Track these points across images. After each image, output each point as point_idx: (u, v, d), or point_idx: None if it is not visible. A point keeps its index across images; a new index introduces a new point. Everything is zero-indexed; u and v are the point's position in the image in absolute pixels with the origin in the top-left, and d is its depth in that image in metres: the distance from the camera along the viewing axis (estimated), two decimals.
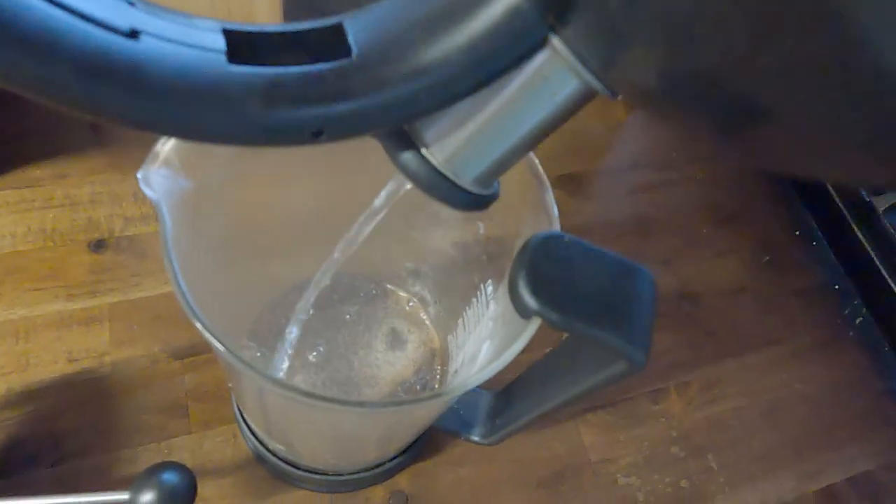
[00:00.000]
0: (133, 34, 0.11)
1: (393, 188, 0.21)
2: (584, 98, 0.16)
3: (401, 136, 0.16)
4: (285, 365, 0.30)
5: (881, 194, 0.49)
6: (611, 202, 0.48)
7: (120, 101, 0.12)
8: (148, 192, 0.16)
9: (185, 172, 0.18)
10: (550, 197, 0.20)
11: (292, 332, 0.29)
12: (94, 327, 0.36)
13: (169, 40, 0.12)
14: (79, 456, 0.32)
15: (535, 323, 0.18)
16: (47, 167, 0.40)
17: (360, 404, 0.16)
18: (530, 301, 0.17)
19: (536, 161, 0.20)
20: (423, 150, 0.16)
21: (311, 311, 0.28)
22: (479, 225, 0.25)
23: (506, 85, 0.15)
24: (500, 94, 0.15)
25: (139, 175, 0.17)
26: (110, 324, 0.36)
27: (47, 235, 0.38)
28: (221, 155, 0.20)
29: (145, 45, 0.11)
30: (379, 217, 0.22)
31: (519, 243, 0.19)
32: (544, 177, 0.20)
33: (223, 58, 0.12)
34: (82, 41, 0.11)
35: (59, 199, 0.39)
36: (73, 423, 0.33)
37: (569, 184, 0.48)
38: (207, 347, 0.36)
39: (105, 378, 0.34)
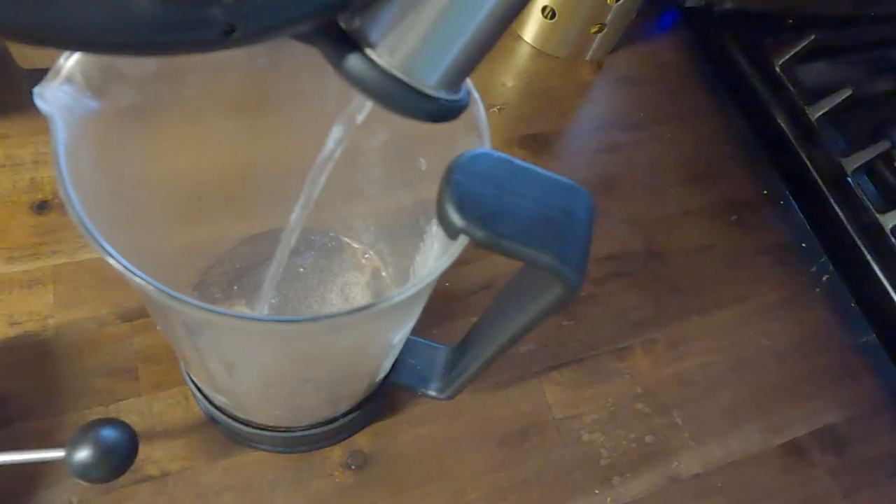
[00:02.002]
0: None
1: (347, 117, 0.20)
2: None
3: (342, 37, 0.14)
4: None
5: (850, 155, 0.49)
6: (577, 162, 0.48)
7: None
8: (40, 104, 0.15)
9: (92, 92, 0.17)
10: (482, 114, 0.19)
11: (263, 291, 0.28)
12: (37, 290, 0.34)
13: None
14: (20, 419, 0.31)
15: (462, 241, 0.17)
16: None
17: (275, 320, 0.15)
18: (455, 218, 0.16)
19: (468, 80, 0.19)
20: (370, 52, 0.14)
21: (280, 271, 0.27)
22: (421, 161, 0.24)
23: None
24: None
25: (35, 89, 0.16)
26: (54, 286, 0.34)
27: None
28: (131, 75, 0.19)
29: None
30: (335, 157, 0.21)
31: None
32: (475, 94, 0.19)
33: None
34: None
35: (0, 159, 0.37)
36: (15, 386, 0.32)
37: (534, 144, 0.47)
38: None
39: (49, 341, 0.33)
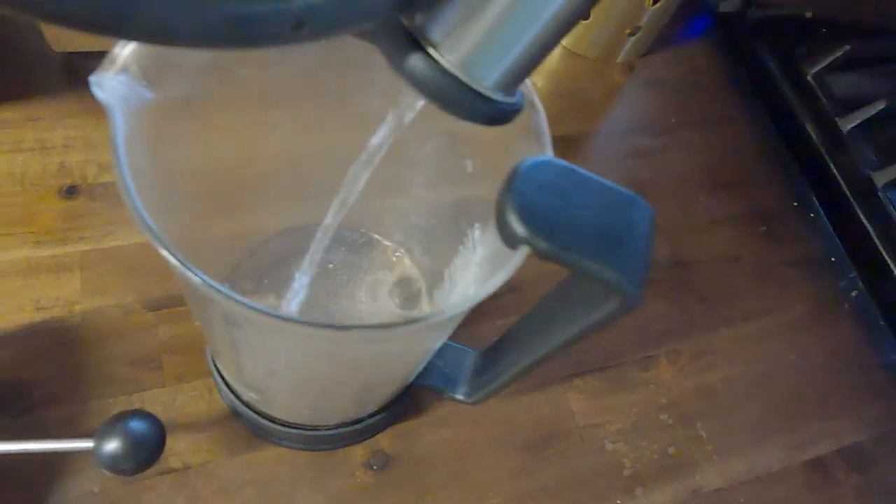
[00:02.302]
0: None
1: (395, 118, 0.19)
2: None
3: (403, 35, 0.14)
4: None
5: (881, 169, 0.48)
6: (606, 166, 0.47)
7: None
8: (99, 93, 0.15)
9: (147, 82, 0.17)
10: (543, 121, 0.18)
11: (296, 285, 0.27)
12: (64, 275, 0.34)
13: None
14: (45, 406, 0.31)
15: (523, 252, 0.16)
16: (18, 109, 0.38)
17: (332, 326, 0.15)
18: (518, 228, 0.16)
19: (527, 81, 0.19)
20: (431, 50, 0.14)
21: (314, 267, 0.26)
22: (468, 163, 0.23)
23: None
24: None
25: (92, 78, 0.15)
26: (81, 272, 0.34)
27: (16, 179, 0.36)
28: (185, 66, 0.18)
29: None
30: (379, 156, 0.20)
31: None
32: (536, 100, 0.18)
33: None
34: None
35: (29, 142, 0.37)
36: (40, 372, 0.32)
37: (562, 145, 0.46)
38: (183, 299, 0.35)
39: (75, 328, 0.33)
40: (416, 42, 0.14)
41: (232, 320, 0.19)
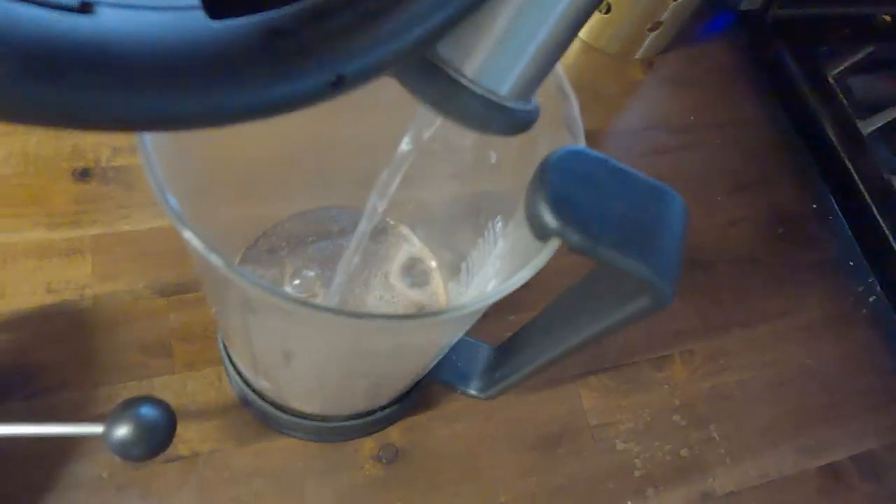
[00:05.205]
0: (85, 7, 0.08)
1: (417, 129, 0.19)
2: None
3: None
4: None
5: None
6: (624, 162, 0.46)
7: (82, 97, 0.08)
8: None
9: None
10: (576, 112, 0.18)
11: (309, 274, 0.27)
12: (75, 259, 0.34)
13: (129, 6, 0.09)
14: (54, 390, 0.31)
15: (554, 244, 0.16)
16: None
17: (354, 314, 0.14)
18: (549, 219, 0.15)
19: (560, 72, 0.18)
20: (442, 66, 0.14)
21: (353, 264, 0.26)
22: (492, 154, 0.23)
23: None
24: None
25: None
26: (93, 256, 0.34)
27: (29, 160, 0.36)
28: None
29: (103, 18, 0.08)
30: (407, 164, 0.20)
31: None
32: (570, 91, 0.18)
33: (201, 14, 0.09)
34: (24, 30, 0.08)
35: None
36: (50, 356, 0.31)
37: None
38: (195, 285, 0.34)
39: (85, 312, 0.33)
40: (425, 58, 0.14)
41: (249, 305, 0.18)
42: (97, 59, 0.08)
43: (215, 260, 0.14)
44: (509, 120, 0.14)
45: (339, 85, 0.11)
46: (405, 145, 0.19)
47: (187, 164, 0.19)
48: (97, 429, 0.25)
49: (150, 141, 0.15)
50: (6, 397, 0.30)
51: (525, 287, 0.36)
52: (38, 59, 0.08)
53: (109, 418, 0.25)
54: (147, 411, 0.25)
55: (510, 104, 0.14)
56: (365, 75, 0.12)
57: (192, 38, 0.09)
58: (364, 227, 0.21)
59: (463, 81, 0.14)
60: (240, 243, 0.31)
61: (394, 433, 0.33)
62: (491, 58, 0.13)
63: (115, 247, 0.34)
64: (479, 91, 0.14)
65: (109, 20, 0.08)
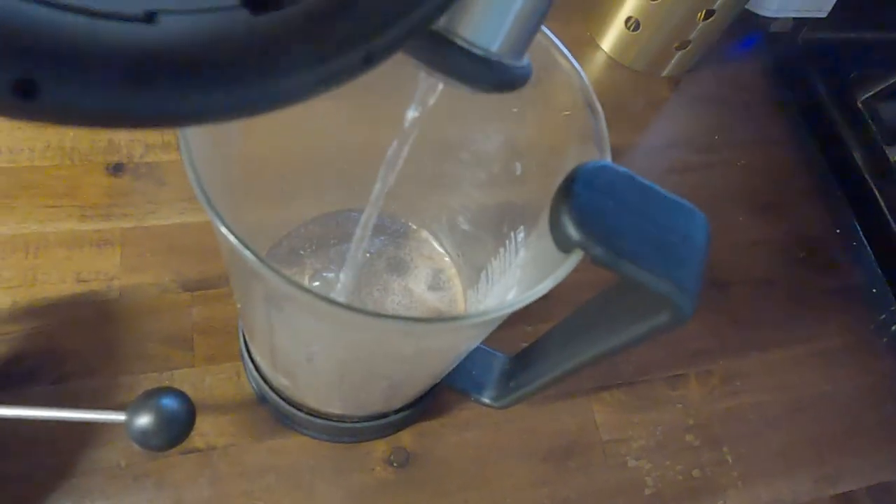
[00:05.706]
0: (149, 17, 0.09)
1: (422, 95, 0.19)
2: None
3: None
4: None
5: None
6: (648, 179, 0.46)
7: (167, 100, 0.09)
8: None
9: None
10: (603, 127, 0.18)
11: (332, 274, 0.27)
12: (105, 250, 0.35)
13: (181, 12, 0.09)
14: (79, 377, 0.31)
15: (576, 256, 0.16)
16: None
17: (376, 314, 0.15)
18: (573, 232, 0.16)
19: (589, 86, 0.19)
20: (443, 33, 0.15)
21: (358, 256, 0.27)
22: (517, 165, 0.23)
23: None
24: None
25: None
26: (122, 248, 0.35)
27: (66, 153, 0.37)
28: None
29: (165, 25, 0.09)
30: (412, 136, 0.20)
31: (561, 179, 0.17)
32: (598, 105, 0.18)
33: (244, 12, 0.10)
34: (109, 42, 0.08)
35: None
36: (76, 343, 0.32)
37: None
38: (219, 281, 0.35)
39: (112, 302, 0.34)
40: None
41: (276, 302, 0.19)
42: (171, 62, 0.09)
43: (248, 255, 0.14)
44: (505, 76, 0.15)
45: (369, 61, 0.12)
46: (412, 112, 0.20)
47: (222, 163, 0.20)
48: (120, 417, 0.26)
49: (191, 139, 0.15)
50: (33, 382, 0.31)
51: (542, 298, 0.36)
52: (128, 68, 0.09)
53: (132, 407, 0.26)
54: (169, 402, 0.26)
55: (504, 60, 0.15)
56: (389, 50, 0.12)
57: (241, 34, 0.10)
58: (375, 196, 0.22)
59: (459, 42, 0.14)
60: (264, 243, 0.32)
61: (406, 438, 0.34)
62: (482, 19, 0.14)
63: (143, 240, 0.35)
64: (474, 51, 0.15)
65: (171, 26, 0.09)
